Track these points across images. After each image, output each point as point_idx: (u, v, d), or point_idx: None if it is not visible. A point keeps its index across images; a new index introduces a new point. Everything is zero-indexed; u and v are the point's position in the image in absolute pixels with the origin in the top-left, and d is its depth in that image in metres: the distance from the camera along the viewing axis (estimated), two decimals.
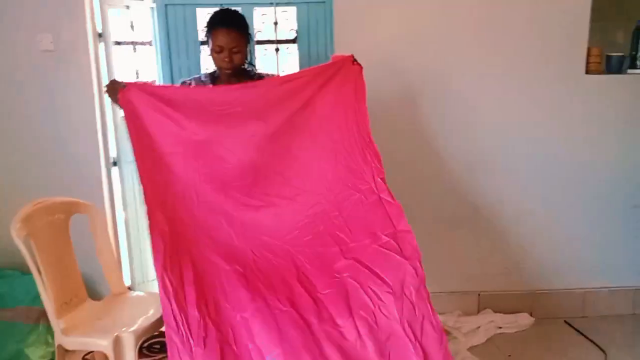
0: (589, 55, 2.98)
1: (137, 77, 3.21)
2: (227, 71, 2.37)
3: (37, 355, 2.71)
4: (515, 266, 3.18)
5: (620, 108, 3.04)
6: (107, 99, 3.02)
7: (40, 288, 2.27)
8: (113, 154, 3.11)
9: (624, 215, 3.14)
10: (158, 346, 2.92)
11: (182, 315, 1.92)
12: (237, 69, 2.38)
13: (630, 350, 2.83)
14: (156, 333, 2.88)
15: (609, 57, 3.01)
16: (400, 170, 3.06)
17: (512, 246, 3.16)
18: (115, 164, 3.12)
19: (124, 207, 3.19)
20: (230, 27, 2.30)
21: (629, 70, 2.99)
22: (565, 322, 3.13)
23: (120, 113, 3.07)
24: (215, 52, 2.33)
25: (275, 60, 3.08)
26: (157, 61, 3.14)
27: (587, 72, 3.00)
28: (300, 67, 3.04)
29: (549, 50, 2.96)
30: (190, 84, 2.46)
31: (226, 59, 2.32)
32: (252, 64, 2.58)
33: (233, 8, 2.46)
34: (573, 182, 3.11)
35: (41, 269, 2.27)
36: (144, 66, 3.24)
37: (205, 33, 2.39)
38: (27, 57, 2.87)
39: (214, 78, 2.47)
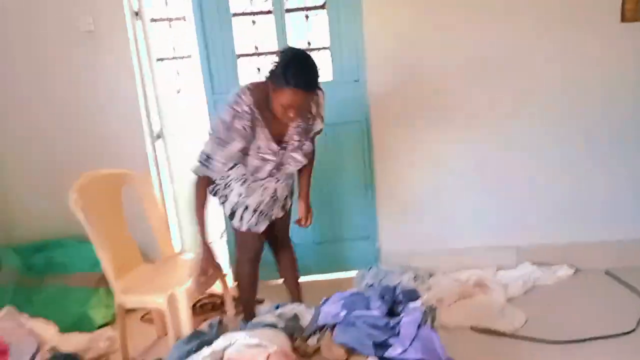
0: (624, 2, 2.90)
1: (174, 53, 3.33)
2: (289, 121, 2.23)
3: (99, 316, 2.92)
4: (553, 218, 3.19)
5: None
6: (147, 75, 3.17)
7: (99, 253, 2.46)
8: (156, 127, 3.26)
9: None
10: (210, 305, 3.10)
11: None
12: None
13: None
14: (207, 293, 3.09)
15: None
16: (438, 121, 3.13)
17: (549, 198, 3.17)
18: (159, 137, 3.27)
19: (171, 180, 3.35)
20: (311, 91, 2.14)
21: None
22: (606, 273, 3.14)
23: (160, 88, 3.23)
24: (281, 106, 2.12)
25: (305, 27, 3.13)
26: (193, 35, 3.25)
27: (623, 20, 2.93)
28: (331, 33, 3.08)
29: None
30: (244, 127, 2.19)
31: (291, 115, 2.14)
32: None
33: (309, 57, 2.14)
34: (611, 135, 3.07)
35: (98, 235, 2.45)
36: (179, 41, 3.36)
37: (274, 75, 2.10)
38: (70, 39, 3.03)
39: (260, 105, 2.21)
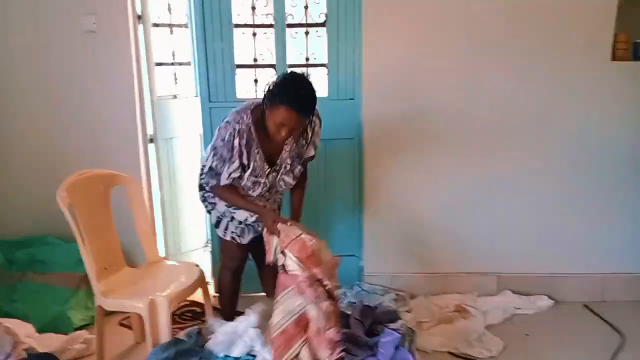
0: (615, 41, 2.97)
1: (174, 58, 3.35)
2: (280, 141, 2.25)
3: (77, 317, 2.90)
4: (534, 248, 3.23)
5: None
6: (145, 79, 3.18)
7: (83, 253, 2.45)
8: (150, 131, 3.26)
9: None
10: (189, 314, 3.08)
11: None
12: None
13: None
14: (188, 302, 3.08)
15: (636, 44, 3.01)
16: (430, 146, 3.16)
17: (532, 228, 3.22)
18: (152, 140, 3.28)
19: (160, 185, 3.36)
20: (307, 115, 2.19)
21: None
22: (585, 306, 3.17)
23: (157, 93, 3.25)
24: (274, 124, 2.15)
25: (305, 44, 3.17)
26: (192, 43, 3.28)
27: (614, 58, 3.00)
28: (329, 51, 3.13)
29: (575, 35, 2.98)
30: (240, 145, 2.26)
31: (283, 135, 2.17)
32: None
33: (309, 82, 2.19)
34: (597, 168, 3.13)
35: (83, 235, 2.44)
36: (179, 48, 3.38)
37: (272, 93, 2.15)
38: (71, 37, 3.05)
39: (258, 127, 2.26)
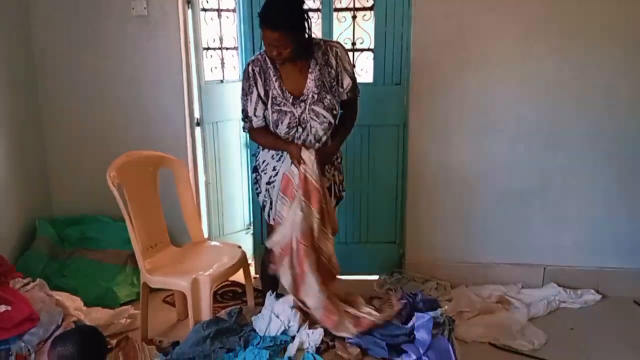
0: None
1: (221, 43, 3.39)
2: (278, 63, 2.29)
3: (123, 293, 3.00)
4: (584, 241, 3.13)
5: None
6: (193, 63, 3.24)
7: (130, 231, 2.53)
8: (197, 114, 3.32)
9: None
10: (231, 294, 3.15)
11: None
12: (288, 59, 2.27)
13: None
14: (229, 282, 3.15)
15: None
16: (472, 140, 3.10)
17: (583, 220, 3.11)
18: (198, 124, 3.34)
19: (205, 168, 3.42)
20: (275, 30, 2.16)
21: None
22: (635, 302, 3.06)
23: (205, 77, 3.29)
24: (265, 47, 2.23)
25: (351, 27, 3.14)
26: (239, 27, 3.30)
27: None
28: (376, 35, 3.09)
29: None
30: (254, 71, 2.34)
31: (274, 54, 2.22)
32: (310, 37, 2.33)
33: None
34: None
35: (131, 214, 2.52)
36: (227, 32, 3.42)
37: None
38: (122, 22, 3.12)
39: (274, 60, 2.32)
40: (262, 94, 2.32)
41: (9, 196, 2.98)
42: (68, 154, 3.33)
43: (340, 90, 2.37)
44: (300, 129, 2.32)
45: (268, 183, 2.44)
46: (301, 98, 2.31)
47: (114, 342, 2.32)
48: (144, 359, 2.20)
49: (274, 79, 2.31)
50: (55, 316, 2.31)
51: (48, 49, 3.19)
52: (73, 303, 2.59)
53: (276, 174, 2.41)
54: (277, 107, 2.31)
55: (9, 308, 2.19)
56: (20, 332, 2.16)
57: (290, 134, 2.33)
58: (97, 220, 3.24)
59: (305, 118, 2.31)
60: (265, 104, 2.33)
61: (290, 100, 2.30)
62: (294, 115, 2.30)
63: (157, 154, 2.80)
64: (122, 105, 3.24)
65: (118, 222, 3.05)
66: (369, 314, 2.20)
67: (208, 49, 3.34)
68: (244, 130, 2.51)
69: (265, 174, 2.45)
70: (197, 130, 3.34)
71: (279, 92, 2.30)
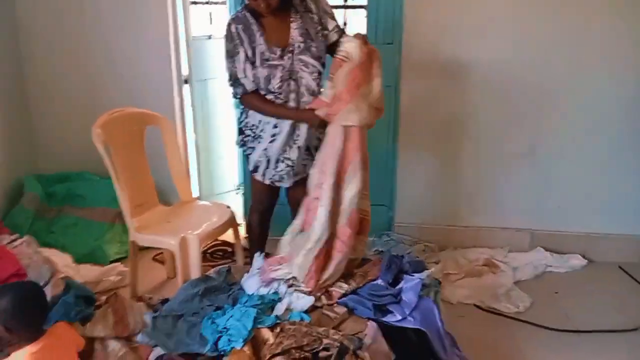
0: None
1: None
2: (265, 13, 2.21)
3: (112, 251, 3.01)
4: (572, 206, 3.14)
5: None
6: (180, 18, 3.14)
7: (117, 189, 2.51)
8: (185, 72, 3.25)
9: None
10: (220, 253, 3.16)
11: None
12: (275, 9, 2.20)
13: None
14: (219, 242, 3.15)
15: None
16: (463, 101, 3.07)
17: (569, 186, 3.12)
18: (186, 81, 3.27)
19: (194, 127, 3.37)
20: None
21: None
22: (620, 267, 3.10)
23: (192, 33, 3.20)
24: None
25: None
26: None
27: None
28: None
29: None
30: (237, 30, 2.26)
31: (262, 5, 2.15)
32: None
33: None
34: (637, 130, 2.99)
35: (118, 172, 2.49)
36: None
37: None
38: None
39: (256, 14, 2.26)
40: (249, 53, 2.25)
41: None
42: (52, 110, 3.27)
43: (327, 32, 2.31)
44: (292, 82, 2.28)
45: (271, 142, 2.37)
46: (287, 49, 2.25)
47: (103, 298, 2.31)
48: (133, 316, 2.20)
49: (257, 35, 2.24)
50: (43, 272, 2.29)
51: (30, 1, 3.08)
52: (62, 260, 2.58)
53: (280, 131, 2.34)
54: (267, 62, 2.25)
55: None
56: None
57: (283, 87, 2.27)
58: (84, 177, 3.21)
59: (295, 69, 2.27)
60: (252, 63, 2.26)
61: (278, 53, 2.25)
62: (284, 67, 2.25)
63: (143, 111, 2.74)
64: (107, 61, 3.17)
65: (105, 179, 3.01)
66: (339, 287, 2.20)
67: (195, 3, 3.24)
68: (235, 97, 2.40)
69: (263, 132, 2.38)
70: (186, 88, 3.28)
71: (265, 47, 2.24)
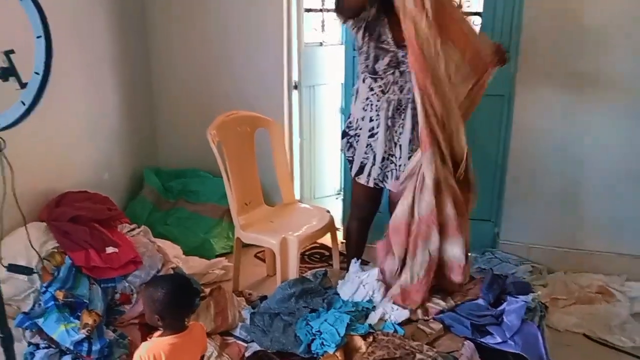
0: None
1: (322, 4, 3.36)
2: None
3: (219, 245, 3.16)
4: None
5: None
6: (294, 25, 3.24)
7: (227, 188, 2.64)
8: (295, 77, 3.35)
9: None
10: (318, 256, 3.21)
11: None
12: None
13: None
14: (317, 245, 3.20)
15: None
16: (582, 116, 2.87)
17: None
18: (296, 87, 3.37)
19: (300, 131, 3.46)
20: None
21: None
22: None
23: (305, 40, 3.29)
24: None
25: None
26: None
27: None
28: None
29: None
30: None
31: None
32: None
33: None
34: None
35: (228, 171, 2.62)
36: None
37: None
38: None
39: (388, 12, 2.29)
40: (370, 18, 2.28)
41: (120, 146, 3.21)
42: (172, 112, 3.50)
43: None
44: (397, 72, 2.31)
45: (370, 136, 2.40)
46: (404, 43, 2.24)
47: (207, 290, 2.45)
48: (233, 309, 2.31)
49: (385, 21, 2.28)
50: (156, 261, 2.47)
51: (157, 9, 3.33)
52: (173, 250, 2.76)
53: (378, 125, 2.37)
54: (381, 45, 2.30)
55: (117, 250, 2.37)
56: (125, 272, 2.34)
57: (387, 73, 2.32)
58: (198, 174, 3.40)
59: (405, 61, 2.29)
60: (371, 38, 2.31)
61: (394, 43, 2.29)
62: (395, 55, 2.30)
63: (255, 114, 2.86)
64: (223, 66, 3.34)
65: (216, 177, 3.19)
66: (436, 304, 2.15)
67: (309, 10, 3.32)
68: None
69: (361, 129, 2.42)
70: (295, 93, 3.37)
71: (388, 34, 2.29)
